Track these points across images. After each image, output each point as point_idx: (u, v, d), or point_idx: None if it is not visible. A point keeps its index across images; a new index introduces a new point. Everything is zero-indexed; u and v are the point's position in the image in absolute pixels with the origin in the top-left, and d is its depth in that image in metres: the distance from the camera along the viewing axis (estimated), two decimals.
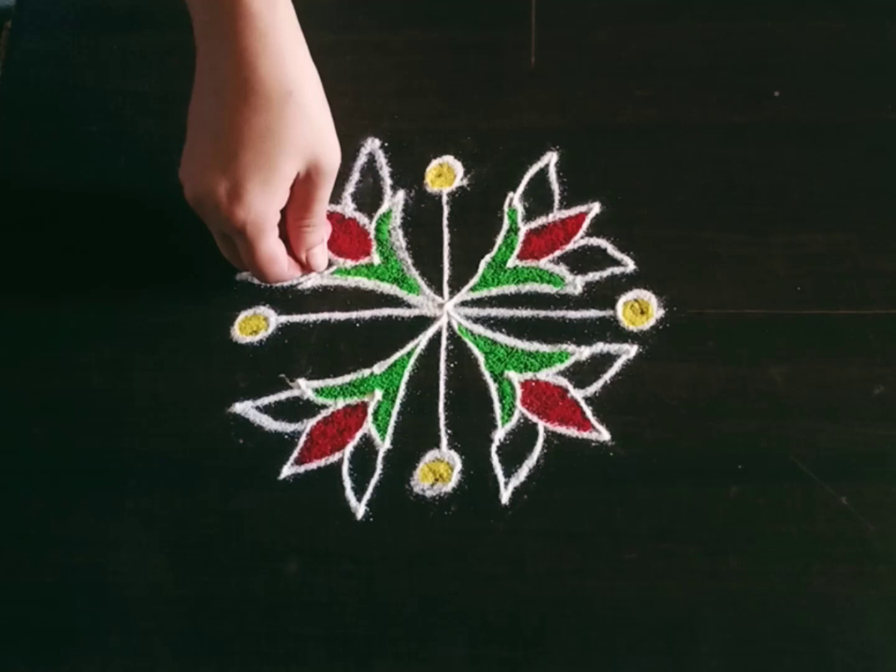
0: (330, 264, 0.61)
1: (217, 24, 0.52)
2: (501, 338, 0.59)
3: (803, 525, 0.53)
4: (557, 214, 0.62)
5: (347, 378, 0.58)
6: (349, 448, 0.56)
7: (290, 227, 0.57)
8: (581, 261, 0.60)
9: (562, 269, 0.60)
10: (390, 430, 0.57)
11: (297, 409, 0.58)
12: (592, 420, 0.56)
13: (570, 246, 0.60)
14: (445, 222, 0.62)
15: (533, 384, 0.57)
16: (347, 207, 0.63)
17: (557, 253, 0.60)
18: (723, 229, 0.60)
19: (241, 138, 0.52)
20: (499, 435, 0.56)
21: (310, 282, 0.61)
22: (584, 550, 0.53)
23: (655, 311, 0.58)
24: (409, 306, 0.60)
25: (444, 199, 0.63)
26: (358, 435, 0.57)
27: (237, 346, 0.60)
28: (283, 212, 0.56)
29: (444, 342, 0.59)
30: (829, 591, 0.51)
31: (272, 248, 0.56)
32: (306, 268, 0.59)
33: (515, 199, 0.62)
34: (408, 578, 0.53)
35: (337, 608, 0.53)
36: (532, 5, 0.68)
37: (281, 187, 0.54)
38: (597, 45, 0.67)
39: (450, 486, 0.55)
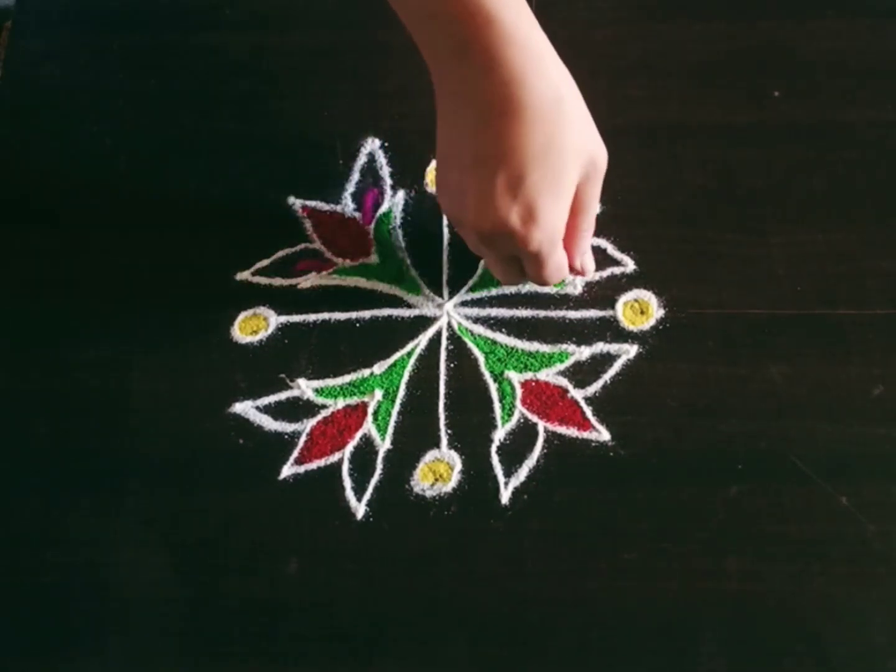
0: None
1: (469, 43, 0.48)
2: (501, 338, 0.59)
3: (803, 525, 0.53)
4: None
5: (347, 378, 0.58)
6: (349, 448, 0.56)
7: (569, 234, 0.53)
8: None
9: None
10: (390, 430, 0.57)
11: (297, 409, 0.58)
12: (592, 420, 0.56)
13: None
14: (445, 222, 0.62)
15: (533, 384, 0.57)
16: (347, 207, 0.63)
17: None
18: (723, 229, 0.60)
19: (524, 157, 0.48)
20: (499, 435, 0.56)
21: (309, 282, 0.61)
22: (584, 550, 0.53)
23: (655, 311, 0.58)
24: (408, 306, 0.60)
25: None
26: (358, 435, 0.57)
27: (237, 346, 0.60)
28: None
29: (443, 342, 0.59)
30: (829, 591, 0.51)
31: (561, 260, 0.53)
32: (579, 273, 0.56)
33: None
34: (408, 578, 0.53)
35: (337, 608, 0.53)
36: (532, 5, 0.68)
37: (570, 198, 0.51)
38: (597, 45, 0.66)
39: (450, 486, 0.55)
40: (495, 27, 0.48)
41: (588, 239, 0.55)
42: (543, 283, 0.54)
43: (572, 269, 0.55)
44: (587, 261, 0.57)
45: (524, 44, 0.48)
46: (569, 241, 0.54)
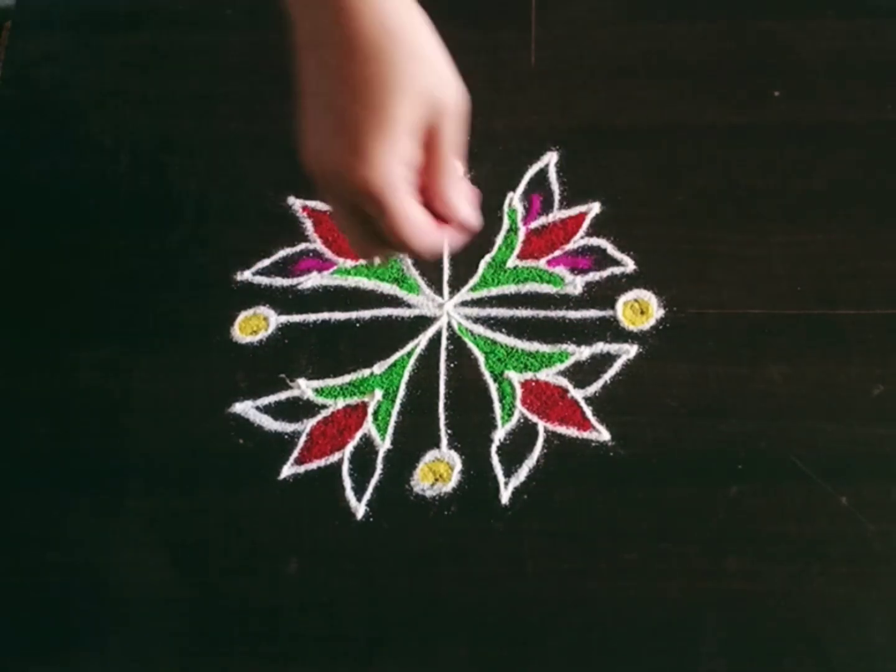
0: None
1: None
2: (501, 338, 0.59)
3: (803, 525, 0.53)
4: (557, 214, 0.62)
5: (347, 378, 0.58)
6: (349, 448, 0.56)
7: (427, 185, 0.49)
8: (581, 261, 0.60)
9: (562, 269, 0.60)
10: (390, 430, 0.57)
11: (297, 409, 0.58)
12: (592, 420, 0.56)
13: (570, 246, 0.61)
14: None
15: (533, 384, 0.57)
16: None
17: (557, 253, 0.60)
18: (723, 229, 0.60)
19: (351, 92, 0.47)
20: (499, 435, 0.56)
21: (310, 282, 0.61)
22: (584, 550, 0.53)
23: (655, 311, 0.58)
24: (409, 306, 0.60)
25: None
26: (358, 435, 0.57)
27: (237, 346, 0.60)
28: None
29: (444, 342, 0.59)
30: (829, 591, 0.51)
31: (411, 208, 0.48)
32: (456, 223, 0.50)
33: (515, 199, 0.62)
34: (408, 578, 0.53)
35: (337, 608, 0.53)
36: (532, 5, 0.68)
37: (401, 135, 0.48)
38: (597, 45, 0.66)
39: (450, 486, 0.55)
40: None
41: (453, 183, 0.50)
42: (404, 242, 0.48)
43: (441, 218, 0.50)
44: (458, 203, 0.50)
45: None
46: (430, 183, 0.49)
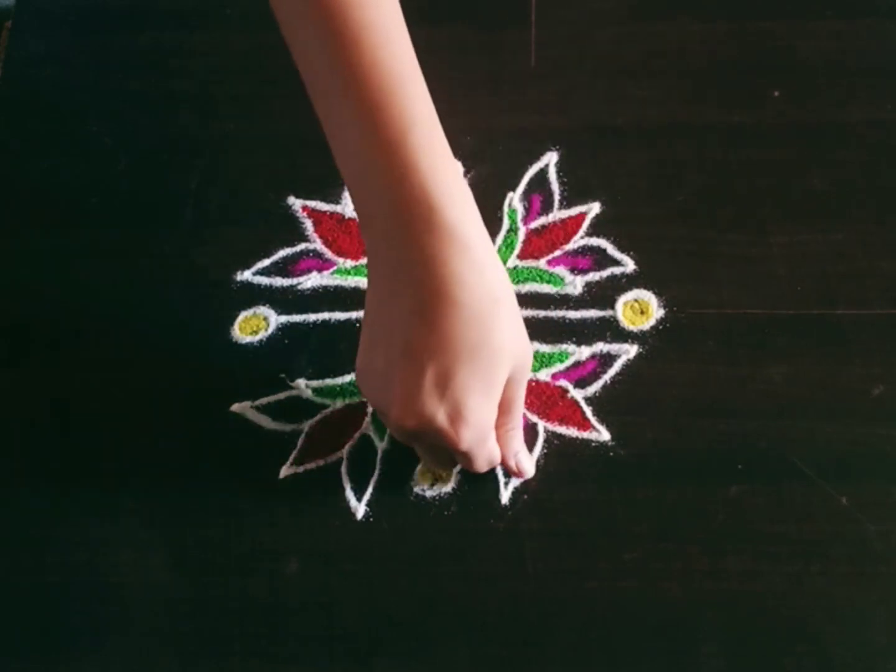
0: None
1: (408, 231, 0.47)
2: None
3: (803, 525, 0.53)
4: (557, 214, 0.62)
5: (347, 378, 0.58)
6: (349, 448, 0.56)
7: (497, 434, 0.53)
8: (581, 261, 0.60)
9: (562, 269, 0.60)
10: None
11: (297, 409, 0.58)
12: (592, 420, 0.56)
13: (570, 246, 0.61)
14: None
15: (533, 384, 0.57)
16: (347, 207, 0.63)
17: (557, 253, 0.60)
18: (723, 229, 0.60)
19: (455, 355, 0.47)
20: None
21: (310, 282, 0.61)
22: (584, 550, 0.53)
23: (655, 311, 0.58)
24: None
25: None
26: (357, 435, 0.57)
27: (237, 346, 0.60)
28: None
29: None
30: (829, 591, 0.51)
31: (493, 454, 0.52)
32: (516, 474, 0.54)
33: (515, 199, 0.62)
34: (408, 578, 0.53)
35: (337, 608, 0.53)
36: (532, 5, 0.68)
37: (499, 397, 0.50)
38: (597, 45, 0.66)
39: (450, 486, 0.55)
40: (437, 221, 0.47)
41: (518, 437, 0.54)
42: (475, 472, 0.53)
43: (507, 467, 0.54)
44: (522, 460, 0.54)
45: (465, 243, 0.47)
46: (498, 441, 0.53)
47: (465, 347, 0.47)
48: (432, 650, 0.52)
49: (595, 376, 0.57)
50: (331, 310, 0.60)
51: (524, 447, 0.54)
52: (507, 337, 0.49)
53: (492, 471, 0.55)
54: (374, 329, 0.50)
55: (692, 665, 0.51)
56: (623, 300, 0.59)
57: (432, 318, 0.47)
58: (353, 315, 0.60)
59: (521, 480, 0.54)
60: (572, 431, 0.56)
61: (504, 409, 0.51)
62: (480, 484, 0.55)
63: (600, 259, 0.60)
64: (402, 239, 0.47)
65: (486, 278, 0.48)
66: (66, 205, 0.65)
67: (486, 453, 0.52)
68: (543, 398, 0.57)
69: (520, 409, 0.53)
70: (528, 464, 0.54)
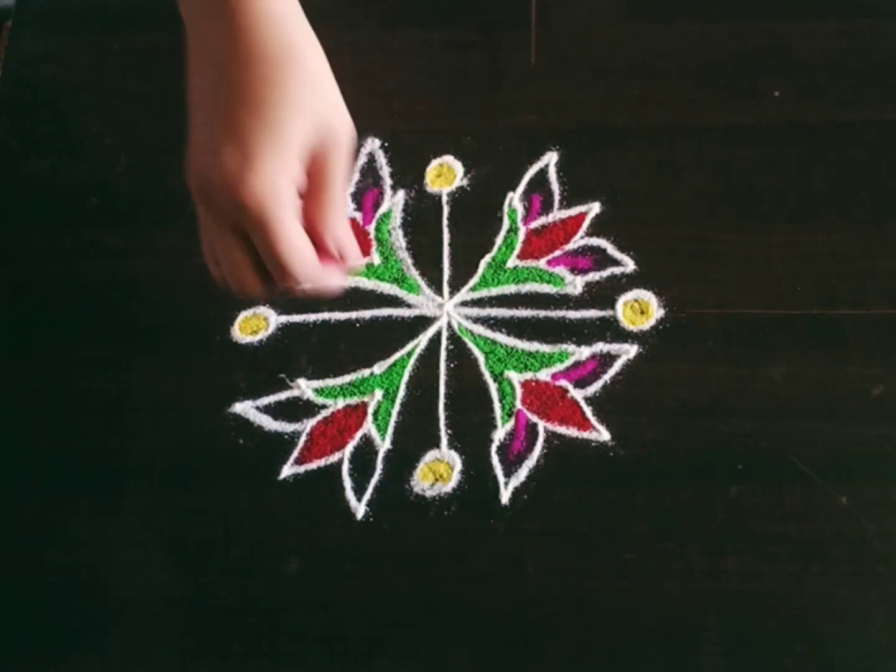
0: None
1: (223, 6, 0.49)
2: (501, 338, 0.59)
3: (803, 525, 0.53)
4: (557, 214, 0.62)
5: (347, 378, 0.58)
6: (349, 448, 0.56)
7: (310, 213, 0.49)
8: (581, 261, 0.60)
9: (562, 269, 0.60)
10: (390, 430, 0.57)
11: (297, 409, 0.58)
12: (592, 420, 0.56)
13: (571, 246, 0.61)
14: (445, 222, 0.62)
15: (533, 384, 0.57)
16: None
17: (557, 253, 0.60)
18: (723, 229, 0.60)
19: (247, 105, 0.48)
20: (499, 435, 0.56)
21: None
22: (584, 550, 0.53)
23: (655, 311, 0.58)
24: (409, 306, 0.60)
25: (444, 199, 0.63)
26: (358, 435, 0.57)
27: (237, 346, 0.60)
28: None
29: (444, 342, 0.59)
30: (829, 591, 0.51)
31: (294, 228, 0.47)
32: (338, 259, 0.49)
33: (515, 199, 0.62)
34: (408, 578, 0.53)
35: (337, 608, 0.53)
36: (532, 5, 0.68)
37: (293, 154, 0.48)
38: (597, 45, 0.66)
39: (450, 486, 0.55)
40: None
41: (339, 217, 0.49)
42: (283, 266, 0.47)
43: (324, 253, 0.49)
44: (345, 243, 0.49)
45: (275, 13, 0.49)
46: (313, 214, 0.49)
47: (258, 98, 0.48)
48: (432, 650, 0.52)
49: (595, 376, 0.57)
50: (331, 310, 0.60)
51: (350, 233, 0.50)
52: (304, 96, 0.49)
53: (492, 471, 0.55)
54: (192, 103, 0.51)
55: (692, 665, 0.51)
56: (623, 300, 0.59)
57: (230, 74, 0.49)
58: (354, 315, 0.60)
59: (520, 480, 0.54)
60: (572, 431, 0.56)
61: (317, 182, 0.49)
62: (480, 484, 0.55)
63: (600, 259, 0.60)
64: (215, 13, 0.50)
65: (286, 35, 0.49)
66: (66, 205, 0.65)
67: (287, 228, 0.47)
68: (543, 398, 0.57)
69: (336, 187, 0.49)
70: (352, 247, 0.50)
